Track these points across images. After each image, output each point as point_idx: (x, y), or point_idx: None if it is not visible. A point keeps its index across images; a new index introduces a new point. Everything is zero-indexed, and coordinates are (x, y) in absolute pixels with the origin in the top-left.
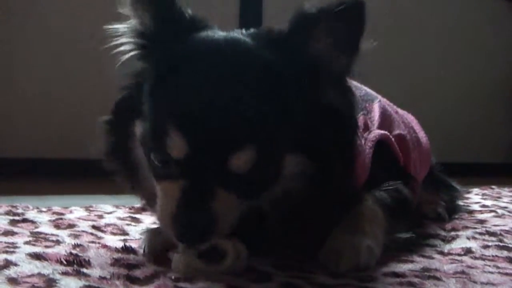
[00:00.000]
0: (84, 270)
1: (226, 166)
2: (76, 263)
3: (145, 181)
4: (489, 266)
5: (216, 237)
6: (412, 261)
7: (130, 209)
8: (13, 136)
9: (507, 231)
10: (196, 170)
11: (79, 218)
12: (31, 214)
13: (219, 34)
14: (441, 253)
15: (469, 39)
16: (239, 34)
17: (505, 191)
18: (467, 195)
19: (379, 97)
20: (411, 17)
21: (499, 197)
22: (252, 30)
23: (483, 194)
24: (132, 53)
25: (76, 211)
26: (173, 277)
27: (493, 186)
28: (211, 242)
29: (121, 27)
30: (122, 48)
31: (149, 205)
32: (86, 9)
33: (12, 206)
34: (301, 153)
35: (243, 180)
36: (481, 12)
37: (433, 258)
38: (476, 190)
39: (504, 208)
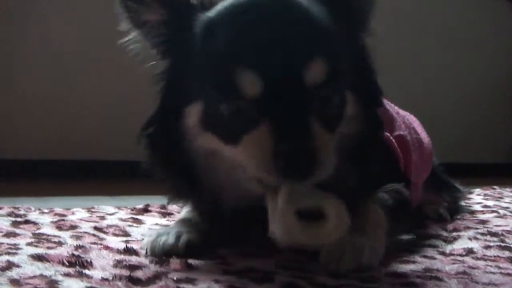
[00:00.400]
0: (86, 271)
1: (303, 83)
2: (78, 265)
3: (211, 174)
4: (491, 266)
5: (321, 175)
6: (414, 262)
7: (132, 210)
8: (14, 137)
9: (508, 232)
10: (278, 99)
11: (81, 220)
12: (33, 216)
13: None
14: (443, 253)
15: (469, 39)
16: None
17: (506, 192)
18: (469, 196)
19: None
20: (410, 17)
21: (500, 198)
22: None
23: (485, 195)
24: (157, 51)
25: (78, 212)
26: (175, 278)
27: (494, 187)
28: (312, 201)
29: (134, 34)
30: (144, 53)
31: (216, 200)
32: (86, 8)
33: (14, 208)
34: (355, 93)
35: (321, 101)
36: (481, 12)
37: (435, 258)
38: (478, 190)
39: (506, 208)
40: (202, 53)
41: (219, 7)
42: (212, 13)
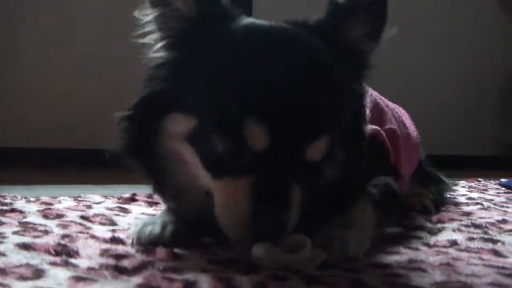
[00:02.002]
0: (73, 260)
1: (302, 157)
2: (64, 254)
3: (174, 178)
4: (474, 258)
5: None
6: (398, 253)
7: (118, 199)
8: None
9: (492, 224)
10: (276, 162)
11: (67, 208)
12: (19, 204)
13: (266, 23)
14: (427, 245)
15: (458, 34)
16: (279, 24)
17: (491, 184)
18: (454, 188)
19: (370, 90)
20: (399, 13)
21: (485, 190)
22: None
23: (470, 187)
24: (166, 41)
25: (65, 201)
26: (161, 268)
27: (479, 179)
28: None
29: (149, 13)
30: (152, 37)
31: (175, 202)
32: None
33: (0, 196)
34: (342, 139)
35: (311, 170)
36: (469, 9)
37: (419, 250)
38: (463, 182)
39: (489, 200)
40: (214, 78)
41: (247, 36)
42: (238, 39)
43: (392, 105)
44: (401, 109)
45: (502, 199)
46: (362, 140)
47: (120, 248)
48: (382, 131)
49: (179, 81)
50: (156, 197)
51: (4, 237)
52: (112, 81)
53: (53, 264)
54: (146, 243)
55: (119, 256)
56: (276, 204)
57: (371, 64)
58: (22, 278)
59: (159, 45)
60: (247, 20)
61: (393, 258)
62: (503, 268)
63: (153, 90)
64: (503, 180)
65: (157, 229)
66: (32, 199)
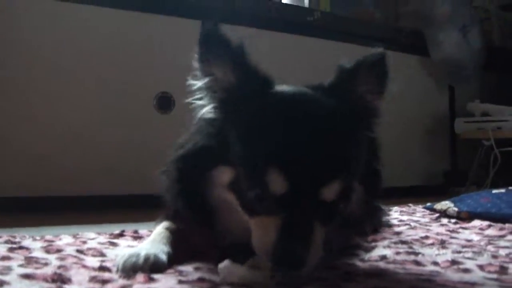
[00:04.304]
0: (65, 286)
1: (319, 198)
2: (59, 281)
3: (222, 220)
4: (399, 268)
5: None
6: (336, 268)
7: (109, 235)
8: (13, 176)
9: (416, 239)
10: (294, 203)
11: (66, 244)
12: (26, 242)
13: (290, 88)
14: (362, 260)
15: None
16: (300, 88)
17: (419, 208)
18: (389, 212)
19: None
20: None
21: (413, 213)
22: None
23: (401, 211)
24: (212, 106)
25: (65, 238)
26: None
27: (410, 204)
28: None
29: (198, 83)
30: (201, 103)
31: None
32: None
33: (11, 236)
34: (357, 180)
35: (330, 210)
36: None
37: (354, 264)
38: (396, 208)
39: (416, 221)
40: (246, 136)
41: (273, 101)
42: (266, 104)
43: None
44: None
45: (427, 219)
46: (378, 179)
47: (106, 275)
48: None
49: (223, 138)
50: (141, 232)
51: (10, 269)
52: (115, 134)
53: None
54: (129, 271)
55: (104, 281)
56: (295, 240)
57: (378, 113)
58: None
59: (207, 108)
60: (277, 87)
61: (332, 273)
62: (421, 274)
63: (202, 144)
64: (428, 204)
65: (140, 261)
66: (38, 237)
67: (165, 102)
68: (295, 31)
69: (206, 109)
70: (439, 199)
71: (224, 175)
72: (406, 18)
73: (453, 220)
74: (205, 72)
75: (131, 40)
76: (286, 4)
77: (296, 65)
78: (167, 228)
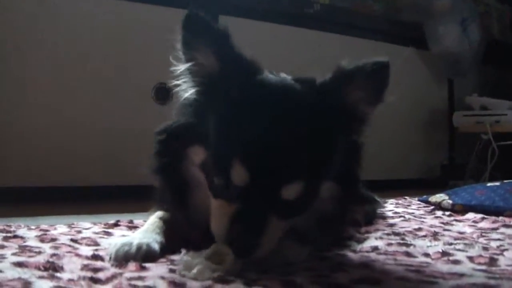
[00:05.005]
0: (57, 274)
1: (278, 195)
2: (51, 269)
3: (194, 197)
4: (389, 259)
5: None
6: (328, 258)
7: (104, 225)
8: (11, 167)
9: (409, 231)
10: (252, 197)
11: (61, 234)
12: (21, 231)
13: (275, 79)
14: (354, 251)
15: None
16: (290, 80)
17: (414, 200)
18: (385, 205)
19: None
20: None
21: (408, 205)
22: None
23: (396, 203)
24: (194, 90)
25: (60, 227)
26: (128, 277)
27: (406, 197)
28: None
29: (182, 67)
30: (184, 86)
31: (191, 218)
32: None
33: (7, 225)
34: (332, 180)
35: (289, 206)
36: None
37: (346, 255)
38: (392, 200)
39: (411, 213)
40: (220, 124)
41: (252, 92)
42: (244, 95)
43: None
44: None
45: (421, 212)
46: (354, 181)
47: (98, 263)
48: None
49: (201, 120)
50: (136, 222)
51: (3, 258)
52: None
53: (41, 277)
54: (122, 260)
55: (96, 270)
56: (247, 229)
57: (366, 121)
58: None
59: (190, 91)
60: (260, 77)
61: (323, 263)
62: (411, 265)
63: (183, 123)
64: (424, 196)
65: (133, 250)
66: (33, 227)
67: (163, 93)
68: (294, 23)
69: (189, 93)
70: (437, 193)
71: (197, 155)
72: (406, 11)
73: (447, 213)
74: (187, 56)
75: (130, 31)
76: None
77: (295, 58)
78: (160, 218)
